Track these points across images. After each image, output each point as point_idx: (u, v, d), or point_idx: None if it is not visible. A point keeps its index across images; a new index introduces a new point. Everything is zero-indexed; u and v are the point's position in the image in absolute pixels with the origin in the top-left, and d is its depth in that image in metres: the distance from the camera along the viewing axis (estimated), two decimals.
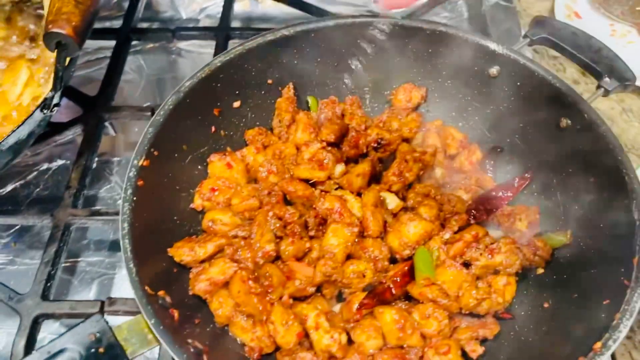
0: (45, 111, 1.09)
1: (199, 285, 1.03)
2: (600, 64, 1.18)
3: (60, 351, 0.81)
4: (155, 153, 1.08)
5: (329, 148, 1.21)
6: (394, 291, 1.07)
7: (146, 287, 0.92)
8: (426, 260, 1.08)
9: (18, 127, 1.08)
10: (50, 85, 1.10)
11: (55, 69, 1.05)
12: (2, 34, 1.36)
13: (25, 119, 1.08)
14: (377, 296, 1.06)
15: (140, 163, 1.05)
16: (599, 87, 1.18)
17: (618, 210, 1.02)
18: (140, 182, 1.03)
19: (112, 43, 1.67)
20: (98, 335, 0.82)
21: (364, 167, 1.20)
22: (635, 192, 1.00)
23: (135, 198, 1.01)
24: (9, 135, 1.08)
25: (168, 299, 0.96)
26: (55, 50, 1.03)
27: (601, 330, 0.89)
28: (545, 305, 1.07)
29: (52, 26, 0.98)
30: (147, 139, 1.08)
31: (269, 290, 1.03)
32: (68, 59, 1.11)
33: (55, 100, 1.10)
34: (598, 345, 0.86)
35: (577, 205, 1.13)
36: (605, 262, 1.01)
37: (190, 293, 1.05)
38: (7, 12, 1.38)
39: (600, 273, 1.01)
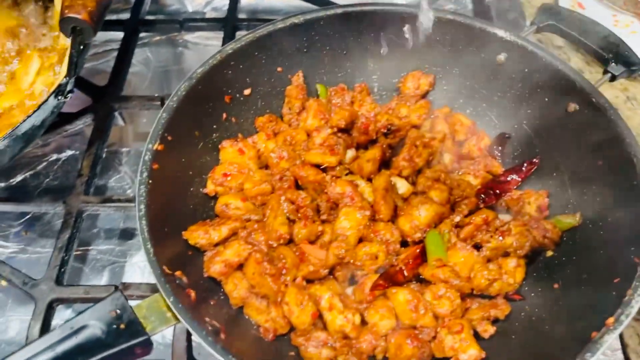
0: (59, 97, 1.10)
1: (214, 267, 1.04)
2: (606, 50, 1.20)
3: (82, 327, 0.82)
4: (169, 138, 1.09)
5: (340, 134, 1.22)
6: (406, 273, 1.08)
7: (164, 267, 0.93)
8: (437, 242, 1.09)
9: (33, 113, 1.09)
10: (61, 74, 1.12)
11: (70, 55, 1.07)
12: (12, 23, 1.37)
13: (40, 105, 1.09)
14: (390, 278, 1.07)
15: (155, 147, 1.06)
16: (605, 72, 1.19)
17: (626, 191, 1.04)
18: (155, 166, 1.04)
19: (119, 35, 1.68)
20: (119, 312, 0.83)
21: (374, 152, 1.21)
22: None
23: (150, 181, 1.02)
24: (23, 121, 1.09)
25: (185, 279, 0.97)
26: (71, 36, 1.04)
27: (613, 306, 0.90)
28: (555, 286, 1.08)
29: (69, 11, 0.99)
30: (160, 124, 1.09)
31: (283, 272, 1.04)
32: (82, 46, 1.12)
33: (69, 87, 1.11)
34: (611, 320, 0.87)
35: (585, 189, 1.14)
36: (615, 243, 1.02)
37: (205, 275, 1.06)
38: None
39: (610, 253, 1.02)
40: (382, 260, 1.08)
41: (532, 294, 1.11)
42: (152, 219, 0.99)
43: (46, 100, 1.09)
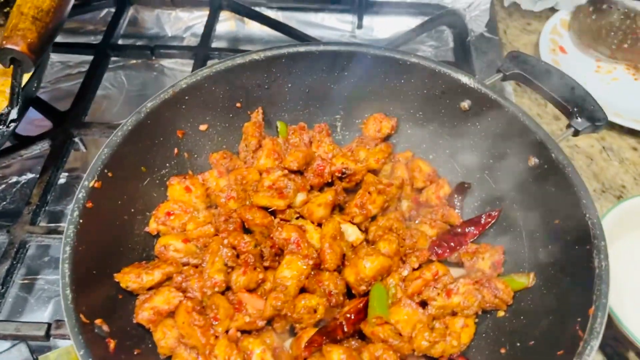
0: (1, 127, 1.07)
1: (143, 314, 1.00)
2: (572, 103, 1.16)
3: None
4: (109, 174, 1.06)
5: (292, 176, 1.18)
6: (345, 328, 1.03)
7: (81, 315, 0.89)
8: (381, 298, 1.04)
9: None
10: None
11: (11, 85, 1.04)
12: None
13: None
14: (327, 333, 1.02)
15: (90, 184, 1.02)
16: (569, 126, 1.15)
17: (580, 256, 0.98)
18: (89, 204, 1.01)
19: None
20: None
21: (326, 197, 1.17)
22: (597, 239, 0.97)
23: (81, 221, 0.98)
24: None
25: (105, 327, 0.93)
26: (10, 67, 1.01)
27: None
28: (502, 350, 1.03)
29: (7, 42, 0.97)
30: (100, 160, 1.05)
31: (214, 323, 1.00)
32: (28, 75, 1.10)
33: (12, 116, 1.09)
34: None
35: (541, 248, 1.09)
36: (563, 311, 0.97)
37: (135, 321, 1.02)
38: None
39: (558, 321, 0.97)
40: (321, 314, 1.03)
41: (479, 357, 1.06)
42: (79, 261, 0.95)
43: None
